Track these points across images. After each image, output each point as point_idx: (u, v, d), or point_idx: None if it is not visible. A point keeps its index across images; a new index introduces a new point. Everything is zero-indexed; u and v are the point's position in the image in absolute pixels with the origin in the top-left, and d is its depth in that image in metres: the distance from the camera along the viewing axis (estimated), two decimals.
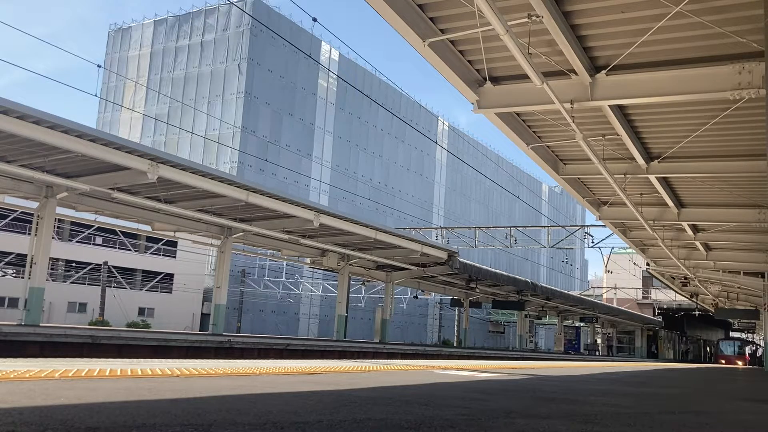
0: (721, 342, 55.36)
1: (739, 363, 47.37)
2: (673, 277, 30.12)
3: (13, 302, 29.43)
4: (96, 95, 18.93)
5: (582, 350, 52.01)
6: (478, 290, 32.68)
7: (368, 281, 33.67)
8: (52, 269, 32.21)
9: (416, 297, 46.14)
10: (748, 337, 67.03)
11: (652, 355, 56.66)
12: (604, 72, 8.76)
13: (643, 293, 56.23)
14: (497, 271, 31.34)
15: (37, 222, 14.40)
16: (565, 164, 13.98)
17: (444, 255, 23.89)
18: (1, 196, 15.78)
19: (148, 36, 49.04)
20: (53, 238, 16.04)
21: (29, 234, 17.45)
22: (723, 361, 49.66)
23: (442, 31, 8.19)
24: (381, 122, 54.42)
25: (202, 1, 47.14)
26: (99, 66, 19.09)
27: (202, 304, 40.91)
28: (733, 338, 60.12)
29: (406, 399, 4.49)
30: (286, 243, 21.32)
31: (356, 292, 42.05)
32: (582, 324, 52.49)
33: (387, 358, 21.04)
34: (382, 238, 20.13)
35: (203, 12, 46.59)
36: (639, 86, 8.73)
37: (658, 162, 12.52)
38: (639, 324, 53.82)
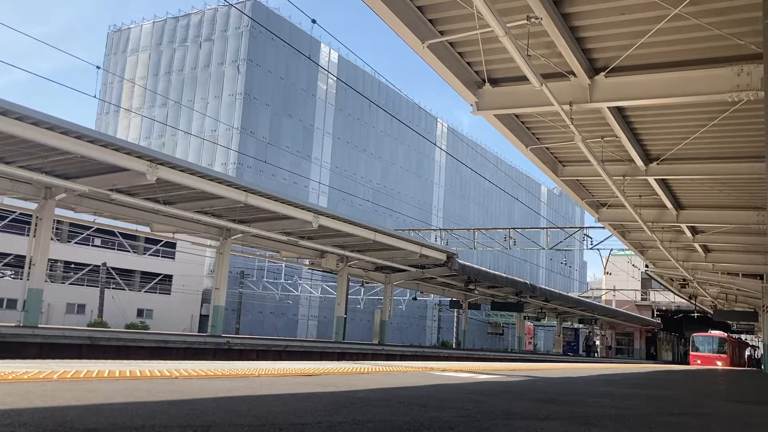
0: (695, 337, 41.79)
1: (719, 364, 38.43)
2: (671, 279, 30.15)
3: (12, 303, 29.38)
4: (95, 96, 18.96)
5: (581, 351, 51.99)
6: (477, 292, 32.68)
7: (367, 283, 33.66)
8: (50, 270, 32.18)
9: (415, 298, 46.19)
10: (739, 338, 60.29)
11: (651, 357, 56.57)
12: (603, 74, 8.76)
13: (641, 295, 56.09)
14: (496, 272, 31.30)
15: (36, 223, 14.39)
16: (563, 166, 13.99)
17: (443, 256, 23.88)
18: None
19: (147, 37, 49.05)
20: (52, 239, 16.00)
21: (28, 235, 17.43)
22: (699, 362, 39.47)
23: (441, 33, 8.20)
24: (380, 124, 54.43)
25: (201, 2, 47.21)
26: (98, 67, 19.11)
27: (201, 305, 40.89)
28: (711, 333, 42.66)
29: (405, 400, 4.48)
30: (285, 244, 21.30)
31: (355, 294, 42.00)
32: (581, 326, 52.42)
33: (386, 360, 21.02)
34: (381, 239, 20.13)
35: (202, 13, 46.60)
36: (638, 88, 8.74)
37: (657, 164, 12.53)
38: (638, 326, 53.78)
